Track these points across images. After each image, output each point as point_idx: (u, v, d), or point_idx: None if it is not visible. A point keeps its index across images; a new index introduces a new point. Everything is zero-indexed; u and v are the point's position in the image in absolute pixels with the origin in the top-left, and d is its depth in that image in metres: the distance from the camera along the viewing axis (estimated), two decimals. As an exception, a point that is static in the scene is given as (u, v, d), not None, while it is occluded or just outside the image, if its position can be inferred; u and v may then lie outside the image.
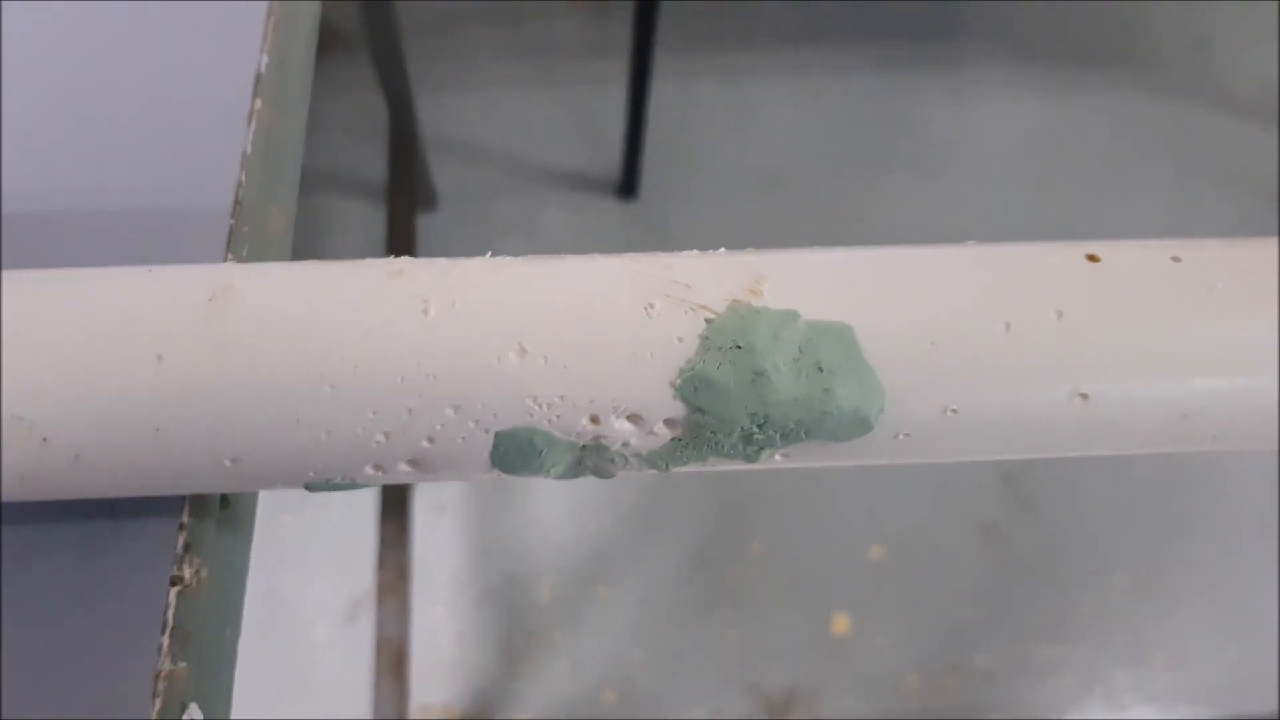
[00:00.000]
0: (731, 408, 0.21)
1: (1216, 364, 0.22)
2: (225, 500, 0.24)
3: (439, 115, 1.18)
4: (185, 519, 0.23)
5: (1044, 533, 1.03)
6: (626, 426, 0.21)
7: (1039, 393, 0.21)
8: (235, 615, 0.24)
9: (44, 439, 0.20)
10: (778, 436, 0.21)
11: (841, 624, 0.98)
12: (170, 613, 0.22)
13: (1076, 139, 1.24)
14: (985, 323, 0.21)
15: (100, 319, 0.21)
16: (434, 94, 1.19)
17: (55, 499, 0.22)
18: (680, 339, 0.21)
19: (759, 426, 0.21)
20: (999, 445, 0.22)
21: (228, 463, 0.21)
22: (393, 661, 0.89)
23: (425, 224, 1.12)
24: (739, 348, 0.21)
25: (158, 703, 0.21)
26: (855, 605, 0.99)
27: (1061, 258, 0.22)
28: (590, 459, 0.22)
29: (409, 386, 0.20)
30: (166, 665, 0.21)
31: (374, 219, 1.12)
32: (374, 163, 1.12)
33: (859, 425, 0.21)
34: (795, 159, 1.21)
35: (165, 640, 0.21)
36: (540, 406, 0.21)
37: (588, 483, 1.02)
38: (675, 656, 0.97)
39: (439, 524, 1.01)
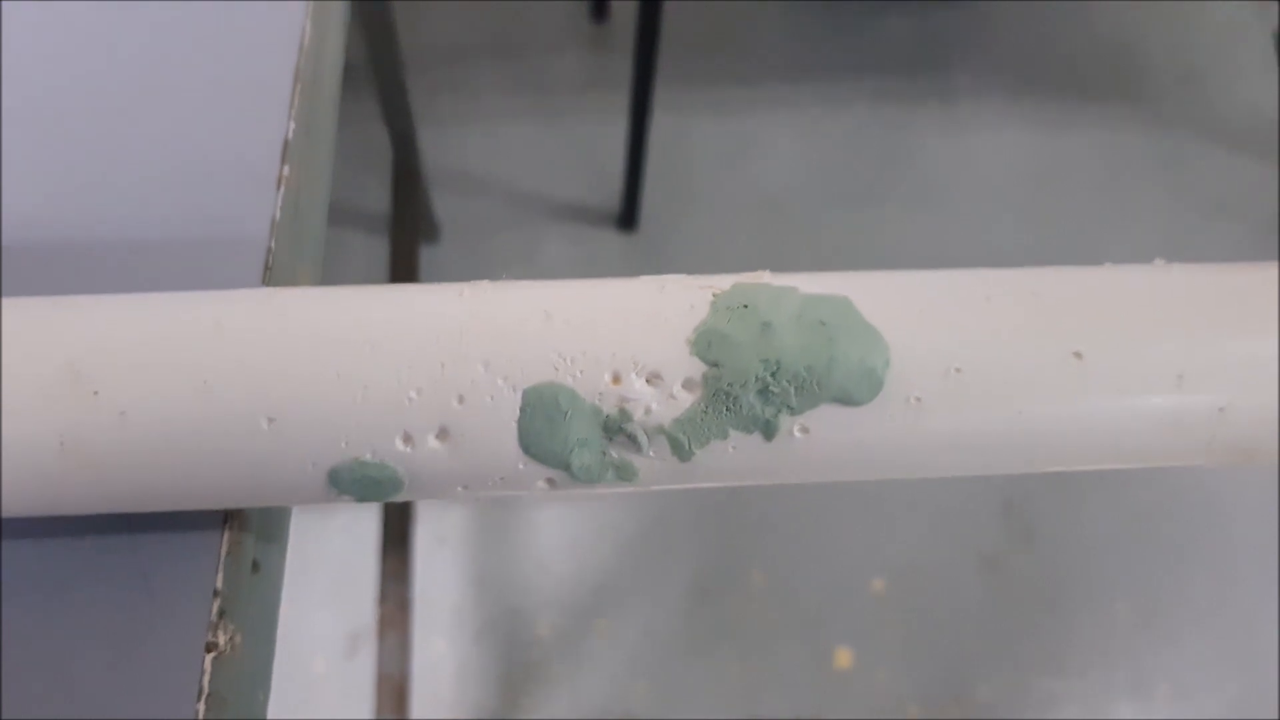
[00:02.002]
0: (744, 356, 0.22)
1: (1207, 330, 0.23)
2: (256, 565, 0.24)
3: (441, 148, 1.19)
4: (219, 585, 0.23)
5: (1045, 564, 1.03)
6: (647, 389, 0.22)
7: (1035, 349, 0.23)
8: (266, 678, 0.24)
9: (95, 391, 0.21)
10: (792, 390, 0.22)
11: (843, 656, 0.98)
12: (206, 679, 0.22)
13: (1070, 170, 1.25)
14: (972, 296, 0.23)
15: (166, 301, 0.23)
16: (436, 127, 1.20)
17: (82, 494, 0.22)
18: (691, 306, 0.23)
19: (772, 375, 0.22)
20: (1010, 417, 0.23)
21: (264, 424, 0.21)
22: (394, 695, 0.89)
23: (427, 255, 1.13)
24: (745, 307, 0.22)
25: (195, 769, 0.21)
26: (857, 638, 0.99)
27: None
28: (615, 441, 0.22)
29: (443, 344, 0.22)
30: (203, 732, 0.21)
31: (377, 250, 1.12)
32: (377, 195, 1.13)
33: (869, 378, 0.22)
34: (792, 191, 1.22)
35: (201, 707, 0.22)
36: (565, 361, 0.22)
37: (587, 513, 1.02)
38: (677, 689, 0.96)
39: (440, 556, 1.01)
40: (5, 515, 0.22)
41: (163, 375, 0.21)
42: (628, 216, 1.17)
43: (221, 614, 0.23)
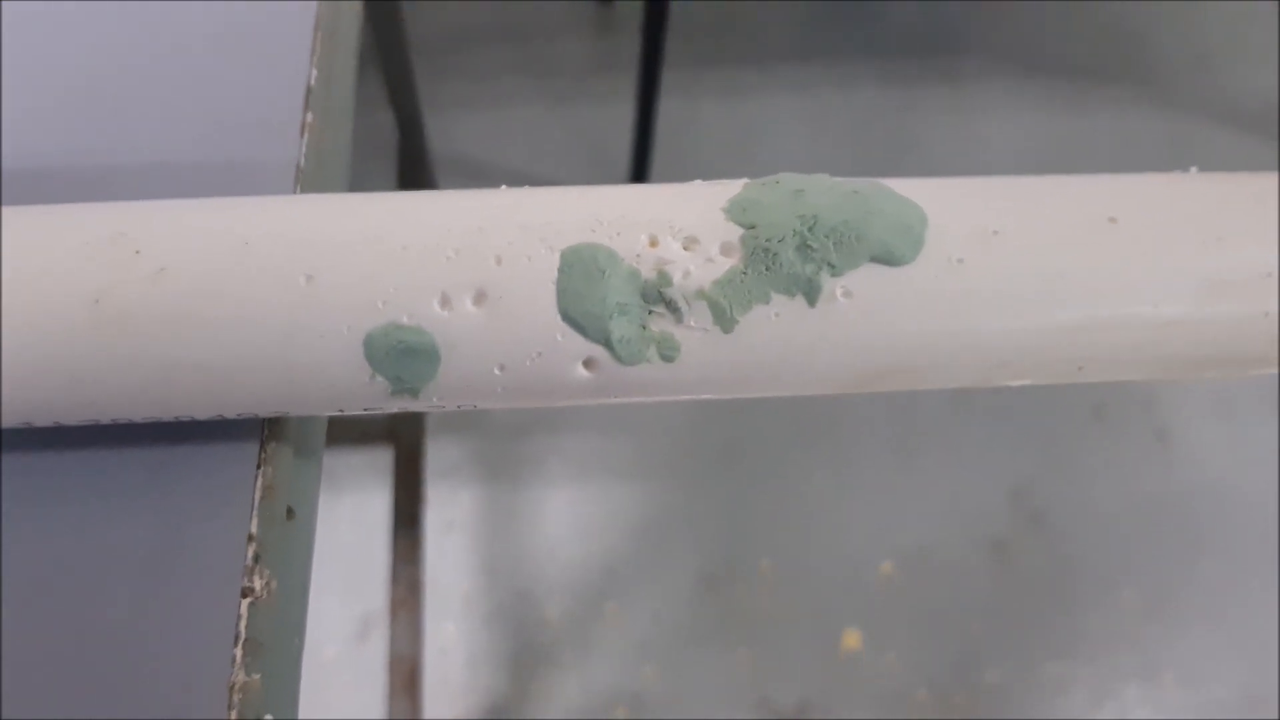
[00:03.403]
0: (780, 213, 0.22)
1: (1248, 199, 0.24)
2: (290, 512, 0.24)
3: (447, 132, 1.19)
4: (254, 530, 0.23)
5: (1053, 550, 1.03)
6: (684, 254, 0.22)
7: (1070, 215, 0.23)
8: (301, 625, 0.24)
9: (137, 251, 0.21)
10: (831, 245, 0.22)
11: (852, 640, 0.98)
12: (242, 624, 0.22)
13: (1079, 154, 1.25)
14: (1000, 182, 0.24)
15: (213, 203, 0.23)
16: (443, 111, 1.19)
17: (108, 365, 0.21)
18: (724, 188, 0.23)
19: (810, 230, 0.22)
20: (1052, 279, 0.23)
21: (303, 280, 0.21)
22: (405, 679, 0.89)
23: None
24: (777, 183, 0.23)
25: (233, 715, 0.21)
26: (866, 621, 0.99)
27: None
28: (655, 314, 0.22)
29: (482, 211, 0.22)
30: (240, 677, 0.21)
31: (384, 236, 1.12)
32: (383, 180, 1.13)
33: (907, 234, 0.22)
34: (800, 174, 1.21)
35: (238, 652, 0.21)
36: (602, 224, 0.22)
37: (597, 497, 1.02)
38: (686, 673, 0.96)
39: (449, 541, 1.01)
40: (23, 393, 0.21)
41: (204, 235, 0.22)
42: (635, 200, 1.17)
43: (257, 559, 0.23)
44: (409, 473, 0.96)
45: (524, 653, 0.96)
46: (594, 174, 1.20)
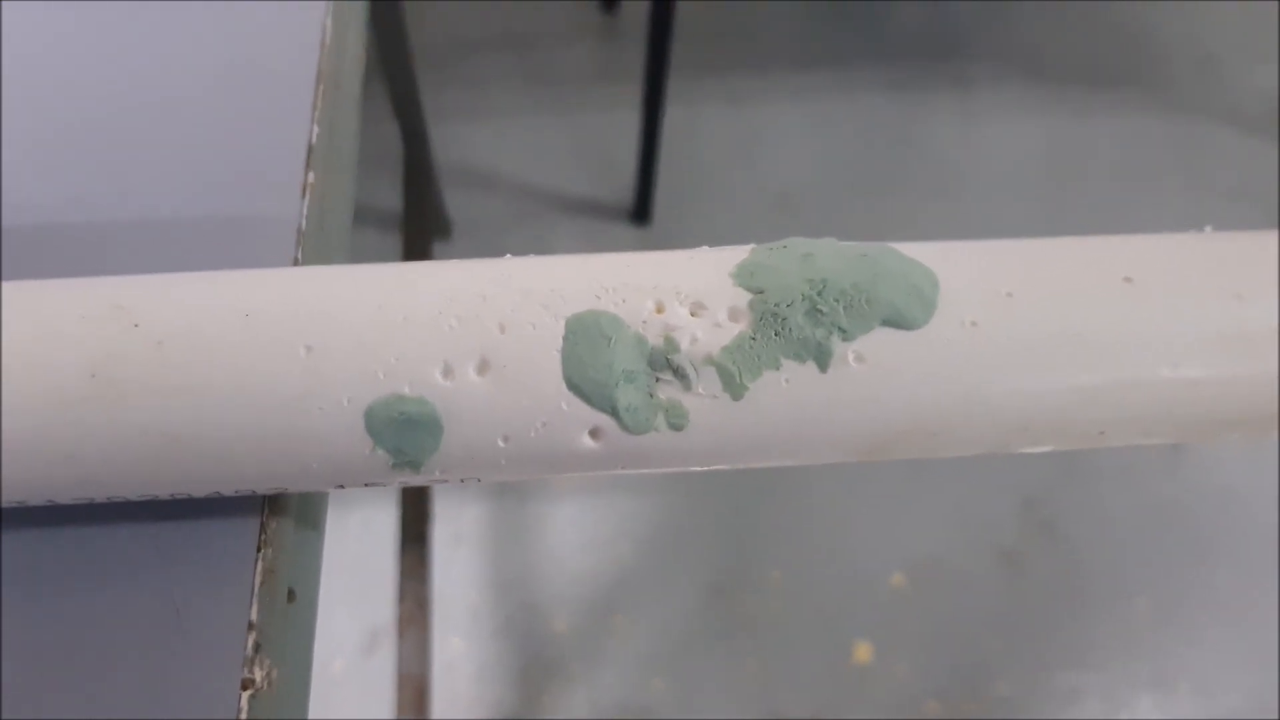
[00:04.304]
0: (788, 278, 0.22)
1: (1264, 258, 0.24)
2: (292, 594, 0.23)
3: (452, 144, 1.18)
4: (254, 618, 0.22)
5: (1065, 559, 1.02)
6: (692, 320, 0.21)
7: (1084, 274, 0.23)
8: (303, 713, 0.23)
9: (136, 324, 0.21)
10: (841, 308, 0.21)
11: (863, 652, 0.97)
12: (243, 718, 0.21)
13: (1085, 157, 1.24)
14: (1012, 245, 0.24)
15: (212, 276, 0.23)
16: (448, 123, 1.19)
17: (104, 439, 0.21)
18: (730, 254, 0.23)
19: (819, 294, 0.21)
20: (1067, 340, 0.22)
21: (303, 352, 0.21)
22: (414, 694, 0.88)
23: (440, 252, 1.12)
24: (785, 247, 0.22)
25: (234, 817, 0.20)
26: (876, 633, 0.98)
27: None
28: (662, 381, 0.21)
29: (484, 279, 0.22)
30: (241, 774, 0.20)
31: (389, 248, 1.12)
32: (388, 192, 1.12)
33: (918, 298, 0.22)
34: (806, 182, 1.21)
35: (239, 749, 0.21)
36: (607, 291, 0.22)
37: (604, 509, 1.01)
38: (695, 685, 0.96)
39: (457, 555, 1.00)
40: (18, 470, 0.21)
41: (203, 307, 0.21)
42: (641, 210, 1.16)
43: (258, 648, 0.22)
44: (416, 488, 0.96)
45: (532, 666, 0.96)
46: (599, 182, 1.19)
